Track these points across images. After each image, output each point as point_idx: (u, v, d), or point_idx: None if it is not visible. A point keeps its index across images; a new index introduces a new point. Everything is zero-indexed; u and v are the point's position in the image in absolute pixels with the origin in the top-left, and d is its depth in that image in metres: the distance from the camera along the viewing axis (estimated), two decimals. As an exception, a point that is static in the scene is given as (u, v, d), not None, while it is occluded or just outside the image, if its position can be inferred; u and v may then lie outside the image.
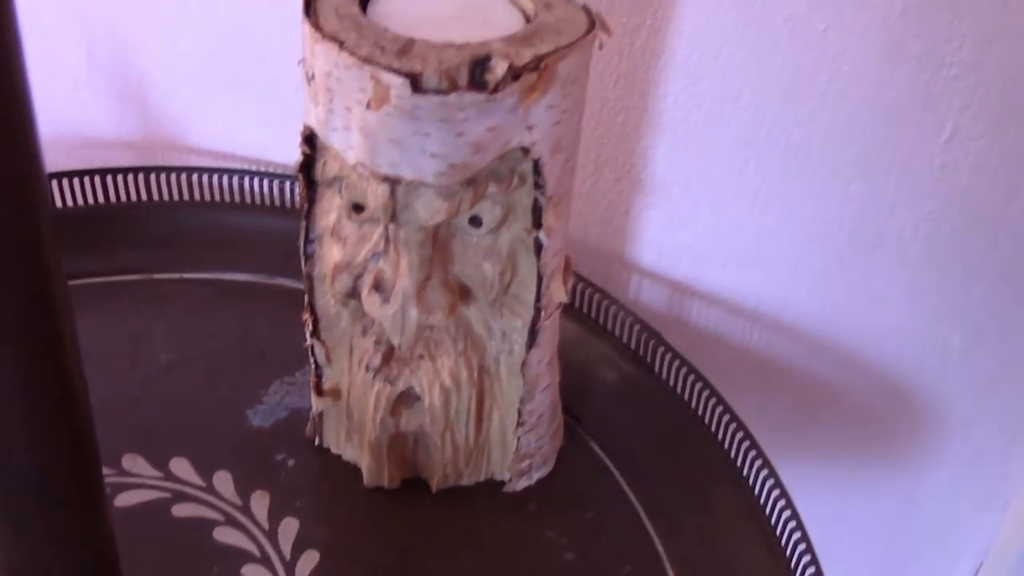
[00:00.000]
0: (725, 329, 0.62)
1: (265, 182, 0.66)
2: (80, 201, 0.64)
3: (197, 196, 0.65)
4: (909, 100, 0.51)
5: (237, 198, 0.66)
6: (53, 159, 0.70)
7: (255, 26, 0.62)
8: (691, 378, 0.55)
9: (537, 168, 0.42)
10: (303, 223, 0.47)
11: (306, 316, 0.49)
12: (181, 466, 0.52)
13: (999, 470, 0.64)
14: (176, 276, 0.63)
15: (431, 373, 0.48)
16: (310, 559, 0.48)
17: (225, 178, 0.65)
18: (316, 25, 0.40)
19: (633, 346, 0.58)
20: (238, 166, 0.68)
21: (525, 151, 0.42)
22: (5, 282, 0.26)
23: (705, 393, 0.54)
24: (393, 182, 0.41)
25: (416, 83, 0.38)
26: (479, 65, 0.39)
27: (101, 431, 0.52)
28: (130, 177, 0.64)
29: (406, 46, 0.39)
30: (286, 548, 0.48)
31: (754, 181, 0.56)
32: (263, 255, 0.63)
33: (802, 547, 0.47)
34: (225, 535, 0.49)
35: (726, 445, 0.53)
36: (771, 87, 0.53)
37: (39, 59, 0.64)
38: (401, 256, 0.45)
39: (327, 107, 0.41)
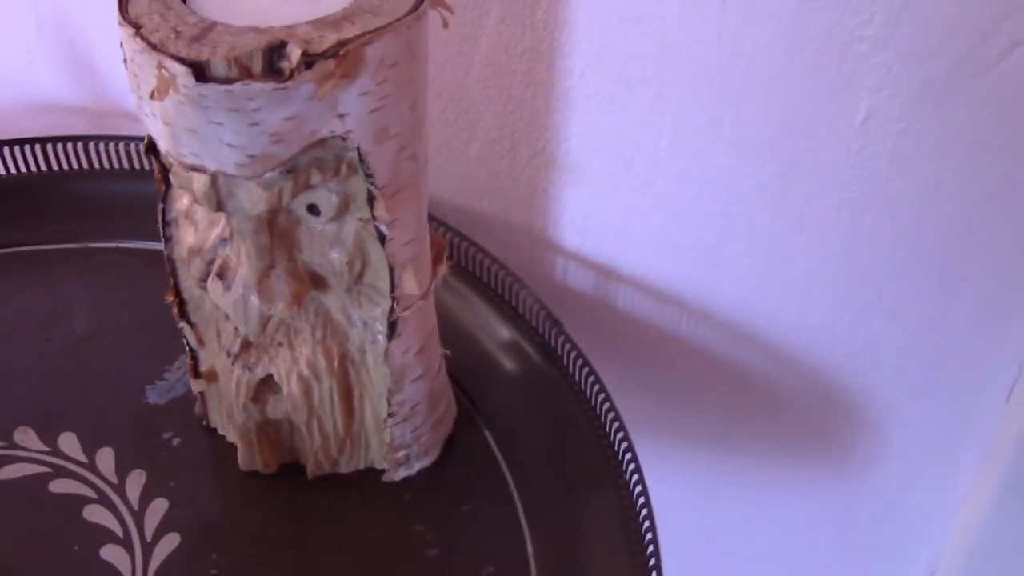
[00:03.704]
0: (653, 315, 0.58)
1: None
2: (23, 169, 0.65)
3: (138, 165, 0.65)
4: (819, 79, 0.46)
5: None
6: (13, 124, 0.71)
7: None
8: (585, 370, 0.52)
9: (361, 157, 0.40)
10: (160, 205, 0.46)
11: (171, 298, 0.48)
12: (69, 441, 0.52)
13: (943, 473, 0.59)
14: (112, 245, 0.63)
15: (289, 361, 0.47)
16: (170, 542, 0.48)
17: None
18: (123, 8, 0.39)
19: (541, 333, 0.55)
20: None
21: (344, 140, 0.40)
22: None
23: (596, 387, 0.51)
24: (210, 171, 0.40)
25: (200, 72, 0.36)
26: (275, 52, 0.37)
27: (1, 403, 0.54)
28: (70, 146, 0.64)
29: (204, 31, 0.37)
30: (150, 530, 0.48)
31: (669, 159, 0.52)
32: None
33: (652, 561, 0.44)
34: (94, 513, 0.49)
35: (611, 449, 0.50)
36: (674, 61, 0.49)
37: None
38: (239, 244, 0.43)
39: (137, 93, 0.40)
